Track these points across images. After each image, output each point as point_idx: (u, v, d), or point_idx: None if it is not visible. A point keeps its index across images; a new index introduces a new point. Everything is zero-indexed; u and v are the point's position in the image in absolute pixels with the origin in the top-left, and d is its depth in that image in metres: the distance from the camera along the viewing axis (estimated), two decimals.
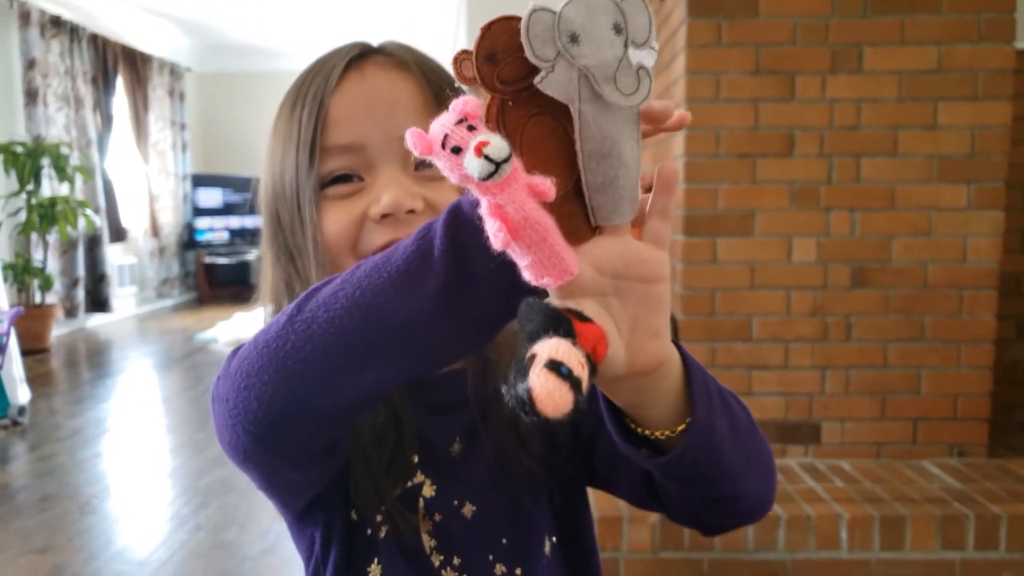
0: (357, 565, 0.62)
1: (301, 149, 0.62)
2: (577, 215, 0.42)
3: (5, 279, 4.91)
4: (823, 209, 2.29)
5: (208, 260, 7.95)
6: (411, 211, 0.60)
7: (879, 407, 2.33)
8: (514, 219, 0.38)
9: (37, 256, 5.63)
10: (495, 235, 0.38)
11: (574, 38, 0.38)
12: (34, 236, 5.58)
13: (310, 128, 0.62)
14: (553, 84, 0.39)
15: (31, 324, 5.20)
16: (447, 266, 0.42)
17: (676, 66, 2.41)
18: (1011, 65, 2.24)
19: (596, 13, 0.39)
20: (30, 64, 5.62)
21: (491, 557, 0.64)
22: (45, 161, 5.44)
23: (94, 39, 6.48)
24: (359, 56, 0.64)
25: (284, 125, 0.65)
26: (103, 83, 6.61)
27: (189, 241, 8.01)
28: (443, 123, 0.38)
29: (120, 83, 6.89)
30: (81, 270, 6.16)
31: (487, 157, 0.36)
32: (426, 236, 0.44)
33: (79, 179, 5.94)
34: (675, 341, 0.48)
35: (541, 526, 0.66)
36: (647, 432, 0.50)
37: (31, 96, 5.64)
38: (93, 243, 6.38)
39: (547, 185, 0.38)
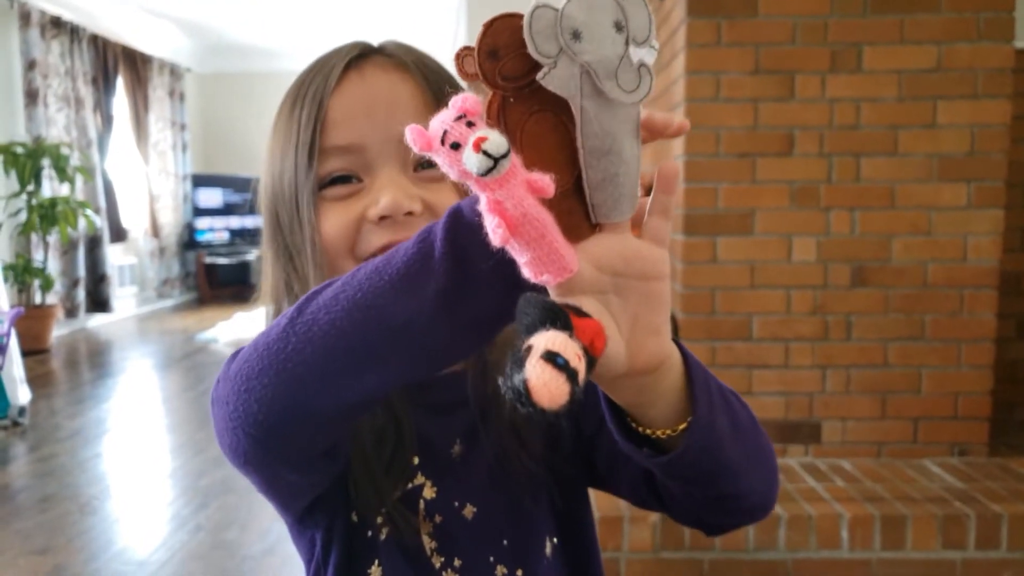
0: (358, 567, 0.62)
1: (300, 150, 0.62)
2: (577, 212, 0.42)
3: (6, 280, 4.91)
4: (823, 208, 2.29)
5: (208, 260, 7.95)
6: (409, 213, 0.60)
7: (880, 406, 2.33)
8: (513, 215, 0.38)
9: (38, 256, 5.63)
10: (494, 231, 0.38)
11: (576, 35, 0.39)
12: (34, 236, 5.58)
13: (309, 129, 0.62)
14: (555, 80, 0.39)
15: (31, 324, 5.20)
16: (447, 268, 0.42)
17: (676, 66, 2.41)
18: (1010, 64, 2.24)
19: (598, 11, 0.39)
20: (30, 65, 5.62)
21: (492, 558, 0.64)
22: (45, 162, 5.45)
23: (94, 40, 6.48)
24: (359, 56, 0.64)
25: (284, 125, 0.64)
26: (103, 84, 6.61)
27: (189, 241, 8.01)
28: (442, 120, 0.39)
29: (120, 84, 6.89)
30: (81, 270, 6.16)
31: (485, 152, 0.37)
32: (427, 239, 0.44)
33: (79, 179, 5.94)
34: (675, 339, 0.48)
35: (542, 527, 0.66)
36: (648, 431, 0.50)
37: (31, 97, 5.64)
38: (93, 243, 6.38)
39: (546, 182, 0.38)
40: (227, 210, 8.12)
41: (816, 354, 2.32)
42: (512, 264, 0.40)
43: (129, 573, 2.31)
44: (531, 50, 0.38)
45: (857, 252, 2.29)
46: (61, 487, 2.97)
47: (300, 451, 0.53)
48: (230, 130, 8.43)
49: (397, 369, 0.46)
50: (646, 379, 0.46)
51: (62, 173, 5.46)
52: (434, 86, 0.64)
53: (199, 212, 7.99)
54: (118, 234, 6.82)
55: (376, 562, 0.62)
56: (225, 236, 8.12)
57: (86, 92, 6.29)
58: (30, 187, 5.38)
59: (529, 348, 0.35)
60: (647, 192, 0.45)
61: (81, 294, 6.16)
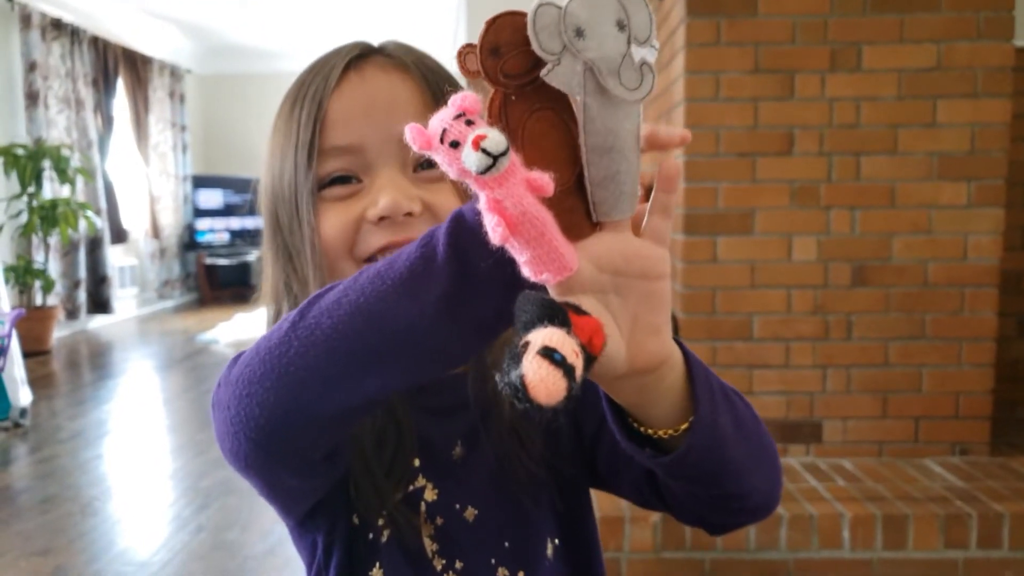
0: (359, 570, 0.62)
1: (300, 150, 0.62)
2: (578, 211, 0.42)
3: (7, 281, 4.91)
4: (823, 208, 2.29)
5: (209, 261, 7.95)
6: (409, 214, 0.60)
7: (880, 406, 2.33)
8: (512, 214, 0.38)
9: (38, 258, 5.64)
10: (493, 230, 0.38)
11: (579, 32, 0.39)
12: (35, 238, 5.58)
13: (308, 129, 0.61)
14: (559, 76, 0.39)
15: (32, 326, 5.20)
16: (450, 272, 0.42)
17: (675, 65, 2.41)
18: (1010, 62, 2.24)
19: (600, 9, 0.39)
20: (31, 66, 5.63)
21: (493, 560, 0.64)
22: (46, 163, 5.45)
23: (95, 41, 6.49)
24: (359, 57, 0.64)
25: (283, 126, 0.64)
26: (104, 85, 6.62)
27: (190, 242, 8.02)
28: (442, 118, 0.39)
29: (121, 85, 6.89)
30: (82, 272, 6.16)
31: (484, 151, 0.37)
32: (429, 243, 0.44)
33: (80, 181, 5.95)
34: (676, 339, 0.48)
35: (543, 528, 0.66)
36: (650, 431, 0.50)
37: (32, 98, 5.64)
38: (94, 245, 6.38)
39: (545, 180, 0.38)
40: (227, 211, 8.12)
41: (817, 353, 2.32)
42: (514, 266, 0.40)
43: (130, 574, 2.31)
44: (535, 47, 0.39)
45: (857, 251, 2.29)
46: (62, 488, 2.97)
47: (301, 455, 0.53)
48: (230, 131, 8.44)
49: (399, 372, 0.46)
50: (647, 379, 0.46)
51: (63, 175, 5.47)
52: (434, 86, 0.64)
53: (199, 213, 7.99)
54: (119, 235, 6.82)
55: (377, 565, 0.62)
56: (225, 237, 8.12)
57: (87, 94, 6.30)
58: (31, 189, 5.38)
59: (526, 344, 0.35)
60: (647, 191, 0.45)
61: (82, 295, 6.17)
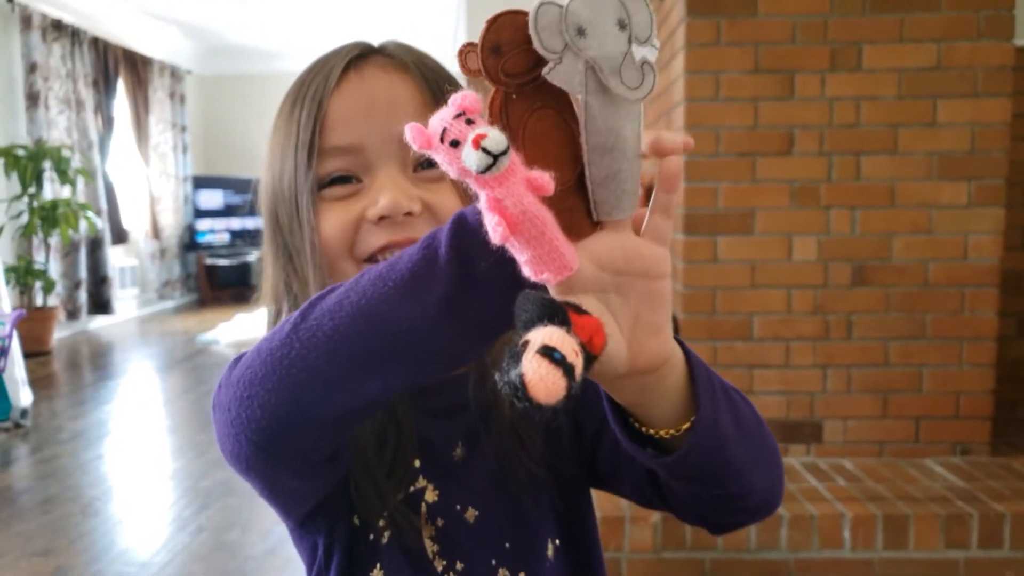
0: (360, 571, 0.62)
1: (300, 150, 0.62)
2: (578, 210, 0.42)
3: (7, 282, 4.91)
4: (823, 207, 2.29)
5: (209, 262, 7.95)
6: (409, 213, 0.60)
7: (881, 405, 2.33)
8: (512, 213, 0.38)
9: (39, 259, 5.64)
10: (493, 229, 0.38)
11: (581, 31, 0.39)
12: (36, 239, 5.59)
13: (308, 129, 0.61)
14: (560, 75, 0.39)
15: (33, 327, 5.20)
16: (452, 274, 0.42)
17: (675, 65, 2.41)
18: (1010, 62, 2.23)
19: (601, 8, 0.39)
20: (32, 67, 5.63)
21: (494, 561, 0.64)
22: (47, 164, 5.45)
23: (95, 42, 6.49)
24: (359, 57, 0.64)
25: (283, 126, 0.64)
26: (104, 86, 6.62)
27: (190, 243, 8.02)
28: (442, 117, 0.39)
29: (121, 86, 6.89)
30: (83, 272, 6.16)
31: (485, 150, 0.37)
32: (431, 245, 0.44)
33: (80, 181, 5.95)
34: (678, 338, 0.48)
35: (544, 529, 0.66)
36: (651, 431, 0.50)
37: (32, 99, 5.65)
38: (95, 245, 6.38)
39: (545, 179, 0.38)
40: (228, 211, 8.12)
41: (817, 353, 2.32)
42: (515, 267, 0.40)
43: (131, 574, 2.31)
44: (536, 45, 0.39)
45: (858, 251, 2.29)
46: (63, 489, 2.97)
47: (302, 457, 0.53)
48: (230, 131, 8.44)
49: (401, 374, 0.46)
50: (648, 379, 0.46)
51: (63, 175, 5.47)
52: (434, 86, 0.64)
53: (200, 214, 7.99)
54: (119, 236, 6.83)
55: (378, 566, 0.62)
56: (226, 237, 8.12)
57: (87, 94, 6.30)
58: (31, 189, 5.38)
59: (526, 343, 0.35)
60: (648, 191, 0.45)
61: (82, 296, 6.17)
